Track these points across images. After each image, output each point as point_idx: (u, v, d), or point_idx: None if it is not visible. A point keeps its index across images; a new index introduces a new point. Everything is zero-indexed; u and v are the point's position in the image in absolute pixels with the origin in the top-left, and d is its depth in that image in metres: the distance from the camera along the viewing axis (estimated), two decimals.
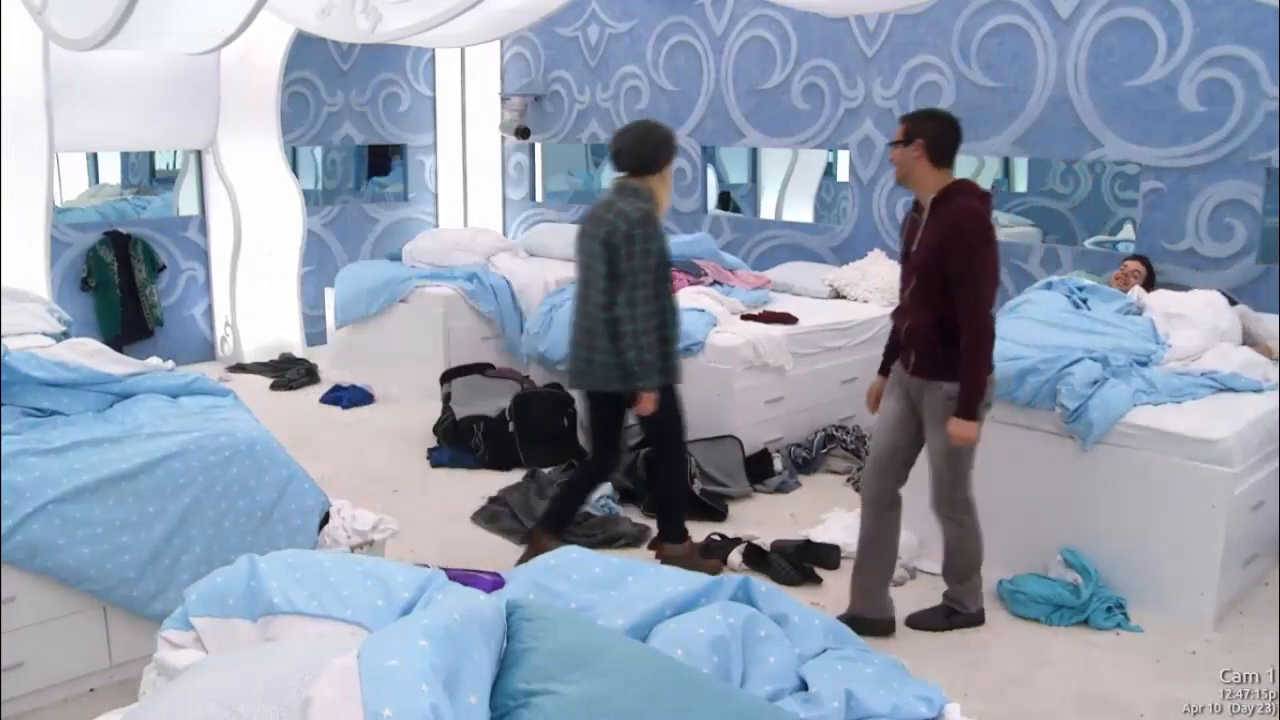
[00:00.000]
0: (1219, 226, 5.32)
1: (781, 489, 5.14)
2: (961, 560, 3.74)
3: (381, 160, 8.92)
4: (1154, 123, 5.45)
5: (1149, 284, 5.17)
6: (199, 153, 7.50)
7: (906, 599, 3.98)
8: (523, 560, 4.07)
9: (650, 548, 4.32)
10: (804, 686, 2.08)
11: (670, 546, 4.16)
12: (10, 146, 6.07)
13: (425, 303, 6.81)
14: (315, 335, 7.96)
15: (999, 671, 3.49)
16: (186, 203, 7.73)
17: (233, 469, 3.41)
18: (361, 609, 2.11)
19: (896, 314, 3.71)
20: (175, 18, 5.30)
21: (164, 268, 7.47)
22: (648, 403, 3.87)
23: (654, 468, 4.83)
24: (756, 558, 4.24)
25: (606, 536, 4.48)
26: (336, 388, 6.84)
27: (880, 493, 3.69)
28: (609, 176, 4.62)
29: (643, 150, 3.81)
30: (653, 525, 4.64)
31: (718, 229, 7.50)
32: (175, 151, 7.84)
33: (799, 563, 4.18)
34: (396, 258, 7.42)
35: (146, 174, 8.03)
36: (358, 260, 8.18)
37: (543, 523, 4.18)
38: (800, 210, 8.22)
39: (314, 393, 6.93)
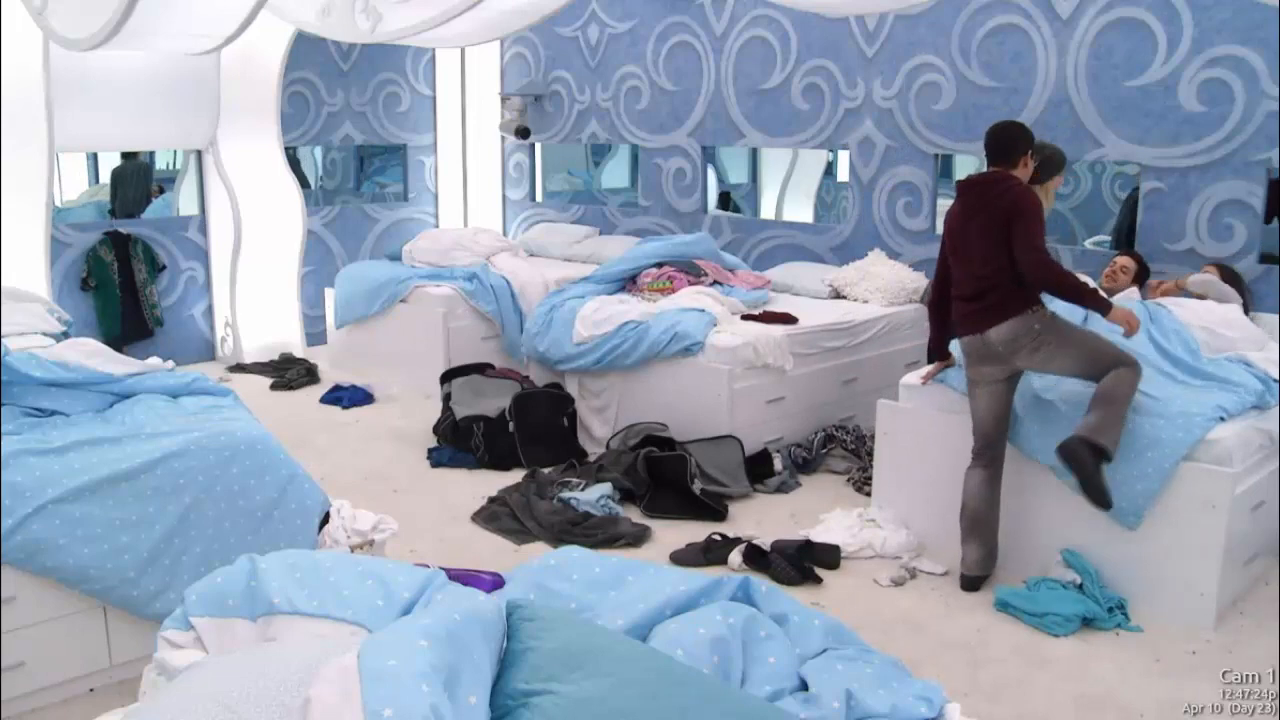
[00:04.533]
0: (1219, 226, 5.31)
1: (781, 489, 5.14)
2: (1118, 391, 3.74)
3: (368, 162, 8.91)
4: (1154, 123, 5.45)
5: (1141, 279, 5.15)
6: (199, 153, 7.51)
7: (907, 599, 3.99)
8: None
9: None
10: (804, 686, 2.08)
11: None
12: (10, 146, 6.07)
13: (425, 303, 6.81)
14: (315, 335, 7.95)
15: (999, 671, 3.49)
16: (186, 203, 7.73)
17: (233, 469, 3.40)
18: (361, 609, 2.11)
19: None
20: (175, 18, 5.29)
21: (164, 268, 7.47)
22: None
23: (654, 467, 4.90)
24: (756, 558, 4.23)
25: (606, 536, 4.47)
26: (336, 388, 6.84)
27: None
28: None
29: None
30: (652, 525, 4.66)
31: (718, 229, 7.49)
32: (175, 151, 7.83)
33: (799, 563, 4.18)
34: (396, 258, 7.41)
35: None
36: (358, 260, 8.19)
37: None
38: (800, 210, 8.21)
39: (314, 393, 6.92)
